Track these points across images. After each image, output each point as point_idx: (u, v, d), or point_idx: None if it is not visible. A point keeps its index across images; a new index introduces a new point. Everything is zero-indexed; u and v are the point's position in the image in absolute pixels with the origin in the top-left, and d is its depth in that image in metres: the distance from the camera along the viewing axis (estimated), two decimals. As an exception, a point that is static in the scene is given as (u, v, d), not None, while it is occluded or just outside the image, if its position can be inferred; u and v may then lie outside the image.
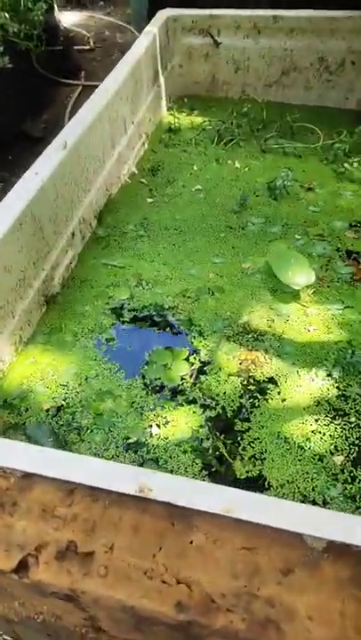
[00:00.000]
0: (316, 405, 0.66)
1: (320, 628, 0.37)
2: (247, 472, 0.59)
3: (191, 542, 0.41)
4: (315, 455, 0.61)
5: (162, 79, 1.25)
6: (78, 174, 0.84)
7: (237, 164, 1.13)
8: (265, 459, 0.61)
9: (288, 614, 0.38)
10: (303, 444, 0.62)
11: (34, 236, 0.72)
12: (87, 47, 3.12)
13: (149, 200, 1.03)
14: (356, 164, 1.09)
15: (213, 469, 0.60)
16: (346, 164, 1.09)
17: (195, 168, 1.12)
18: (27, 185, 0.70)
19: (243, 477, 0.59)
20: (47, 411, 0.66)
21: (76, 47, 3.01)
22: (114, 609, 0.41)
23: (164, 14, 1.26)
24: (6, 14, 1.88)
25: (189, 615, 0.39)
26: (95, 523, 0.42)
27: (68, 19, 3.43)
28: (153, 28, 1.19)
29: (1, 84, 2.03)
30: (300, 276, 0.80)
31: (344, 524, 0.39)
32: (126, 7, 3.56)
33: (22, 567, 0.42)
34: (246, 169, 1.12)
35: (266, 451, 0.61)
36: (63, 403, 0.67)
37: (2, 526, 0.43)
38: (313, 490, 0.58)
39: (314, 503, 0.57)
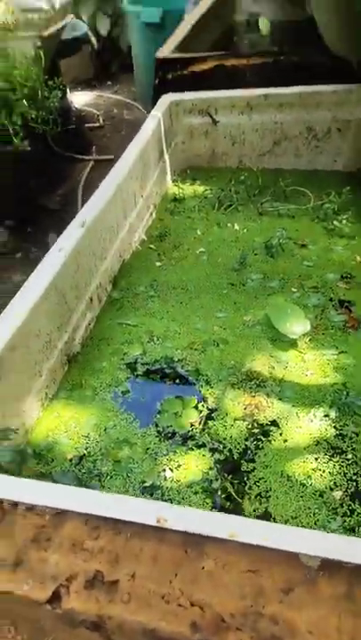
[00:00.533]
0: (316, 444, 0.72)
1: (318, 640, 0.42)
2: (254, 510, 0.64)
3: (203, 568, 0.47)
4: (316, 491, 0.66)
5: (167, 156, 1.39)
6: (95, 246, 0.95)
7: (237, 227, 1.24)
8: (270, 496, 0.66)
9: (290, 630, 0.43)
10: (305, 482, 0.67)
11: (58, 305, 0.82)
12: (97, 124, 3.41)
13: (158, 264, 1.14)
14: (344, 221, 1.19)
15: (223, 508, 0.65)
16: (335, 222, 1.20)
17: (198, 232, 1.24)
18: (51, 261, 0.81)
19: (250, 515, 0.64)
20: (71, 460, 0.73)
21: (87, 125, 3.29)
22: (136, 633, 0.46)
23: (167, 99, 1.42)
24: (26, 103, 2.09)
25: (203, 635, 0.44)
26: (118, 554, 0.49)
27: (79, 99, 3.77)
28: (158, 113, 1.35)
29: (21, 164, 2.23)
30: (297, 325, 0.88)
31: (335, 543, 0.44)
32: (132, 85, 3.89)
33: (55, 597, 0.48)
34: (245, 230, 1.23)
35: (271, 489, 0.67)
36: (85, 452, 0.74)
37: (37, 561, 0.50)
38: (315, 524, 0.63)
39: (318, 536, 0.62)
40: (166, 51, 1.50)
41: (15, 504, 0.51)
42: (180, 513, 0.47)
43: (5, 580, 0.49)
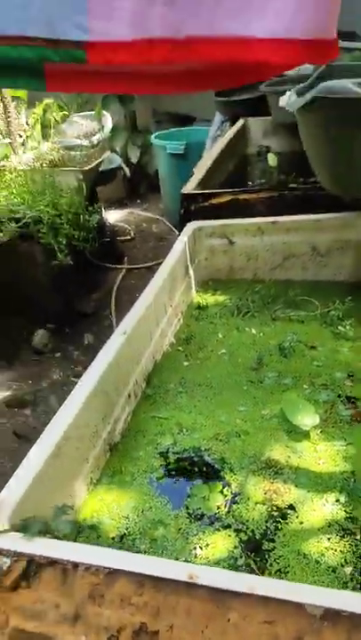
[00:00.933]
0: (328, 526, 0.82)
1: None
2: (274, 582, 0.73)
3: (228, 620, 0.57)
4: (328, 567, 0.75)
5: (191, 271, 1.63)
6: (134, 350, 1.13)
7: (253, 331, 1.42)
8: (288, 572, 0.75)
9: (302, 673, 0.52)
10: (319, 559, 0.76)
11: (103, 400, 0.98)
12: (129, 237, 3.82)
13: (185, 363, 1.31)
14: (348, 326, 1.36)
15: (247, 581, 0.74)
16: (340, 327, 1.36)
17: (220, 336, 1.42)
18: (97, 365, 0.98)
19: (270, 585, 0.73)
20: (113, 538, 0.84)
21: (119, 238, 3.70)
22: None
23: (191, 226, 1.69)
24: (69, 226, 2.43)
25: None
26: (159, 608, 0.59)
27: (113, 216, 4.25)
28: (184, 237, 1.60)
29: (62, 275, 2.53)
30: (307, 418, 1.01)
31: (335, 596, 0.54)
32: (159, 203, 4.37)
33: (107, 647, 0.58)
34: (261, 334, 1.40)
35: (289, 565, 0.76)
36: (125, 531, 0.85)
37: (94, 615, 0.60)
38: (329, 596, 0.71)
39: (332, 609, 0.70)
40: (190, 187, 1.80)
41: (75, 565, 0.63)
42: (208, 571, 0.58)
43: (68, 633, 0.59)
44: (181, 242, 1.57)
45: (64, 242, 2.29)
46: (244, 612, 0.57)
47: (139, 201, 4.50)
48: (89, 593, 0.61)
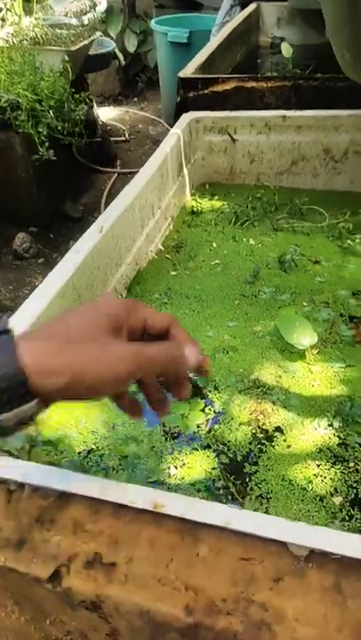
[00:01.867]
0: (319, 452, 0.73)
1: (305, 629, 0.43)
2: (255, 510, 0.66)
3: (198, 554, 0.49)
4: (316, 496, 0.67)
5: (186, 170, 1.44)
6: (112, 252, 0.99)
7: (252, 242, 1.27)
8: (271, 498, 0.67)
9: (278, 617, 0.44)
10: (306, 486, 0.68)
11: (74, 302, 0.86)
12: (122, 139, 3.50)
13: (173, 273, 1.17)
14: (358, 240, 1.22)
15: (224, 507, 0.67)
16: (349, 241, 1.22)
17: (214, 245, 1.27)
18: (68, 261, 0.84)
19: (249, 513, 0.65)
20: (79, 453, 0.75)
21: (112, 139, 3.39)
22: (132, 614, 0.48)
23: (188, 117, 1.47)
24: (52, 114, 2.16)
25: (196, 617, 0.46)
26: (117, 537, 0.51)
27: (106, 114, 3.88)
28: (178, 129, 1.40)
29: (46, 172, 2.31)
30: (304, 337, 0.90)
31: (324, 535, 0.46)
32: (158, 102, 4.00)
33: (56, 576, 0.50)
34: (260, 245, 1.26)
35: (272, 491, 0.68)
36: (93, 446, 0.76)
37: (41, 541, 0.52)
38: (314, 527, 0.64)
39: (315, 540, 0.63)
40: (189, 70, 1.56)
41: (22, 485, 0.54)
42: (177, 500, 0.49)
43: (11, 559, 0.51)
44: (175, 135, 1.37)
45: (45, 132, 2.04)
46: (217, 547, 0.48)
47: (135, 99, 4.10)
48: (37, 517, 0.53)
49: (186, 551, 0.49)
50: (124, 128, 3.50)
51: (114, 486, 0.51)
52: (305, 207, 1.36)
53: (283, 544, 0.47)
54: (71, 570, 0.50)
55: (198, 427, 0.79)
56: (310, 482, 0.69)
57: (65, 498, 0.53)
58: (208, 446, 0.75)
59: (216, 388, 0.85)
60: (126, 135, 3.45)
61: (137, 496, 0.50)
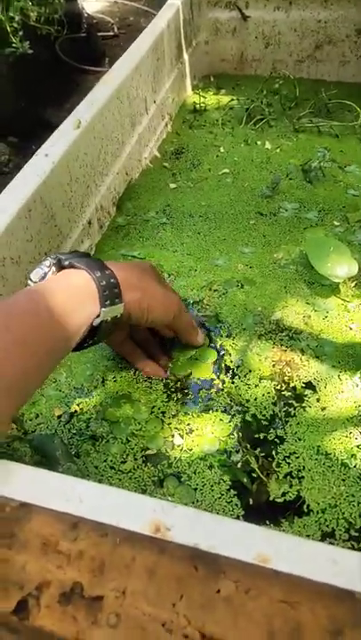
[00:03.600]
0: (362, 415, 0.58)
1: None
2: (283, 494, 0.51)
3: (218, 591, 0.34)
4: (361, 474, 0.53)
5: (186, 56, 1.16)
6: (95, 156, 0.77)
7: (268, 145, 1.04)
8: (303, 477, 0.53)
9: None
10: (347, 462, 0.54)
11: (45, 224, 0.66)
12: (111, 33, 3.04)
13: (172, 185, 0.96)
14: None
15: (244, 488, 0.52)
16: (389, 143, 0.99)
17: (221, 150, 1.04)
18: (35, 167, 0.63)
19: (279, 500, 0.51)
20: (59, 417, 0.60)
21: (99, 33, 2.93)
22: (126, 665, 0.34)
23: (188, -14, 1.17)
24: (26, -3, 1.80)
25: None
26: (104, 562, 0.36)
27: (92, 6, 3.36)
28: (176, 1, 1.10)
29: (22, 70, 1.98)
30: (341, 267, 0.71)
31: None
32: (150, -9, 3.45)
33: (20, 611, 0.36)
34: (278, 150, 1.03)
35: (304, 468, 0.53)
36: (77, 408, 0.60)
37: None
38: (360, 516, 0.50)
39: (360, 531, 0.49)
40: None
41: (-32, 488, 0.38)
42: (188, 518, 0.34)
43: None
44: (173, 6, 1.08)
45: (17, 19, 1.70)
46: (246, 583, 0.33)
47: (125, -14, 3.54)
48: (-9, 530, 0.37)
49: (201, 586, 0.34)
50: (112, 21, 3.03)
51: (97, 493, 0.35)
52: (332, 102, 1.11)
53: (344, 590, 0.32)
54: (41, 603, 0.36)
55: (208, 382, 0.62)
56: (353, 456, 0.54)
57: (28, 507, 0.37)
58: (221, 407, 0.60)
59: (229, 332, 0.68)
60: (115, 29, 2.99)
61: (127, 510, 0.34)
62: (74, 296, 0.45)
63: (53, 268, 0.48)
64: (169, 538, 0.33)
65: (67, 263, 0.48)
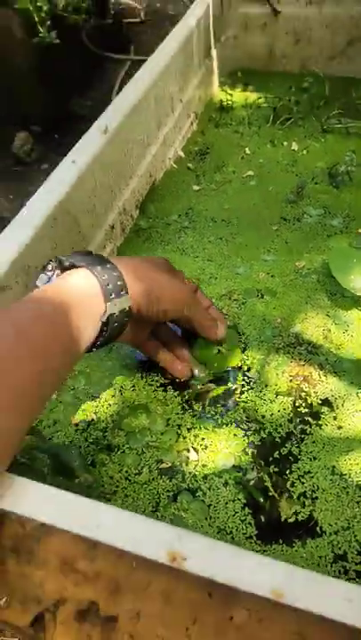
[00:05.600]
0: (379, 436, 0.57)
1: None
2: (295, 513, 0.52)
3: (231, 618, 0.35)
4: (376, 497, 0.53)
5: (214, 52, 1.14)
6: (120, 161, 0.77)
7: (295, 146, 1.02)
8: (317, 498, 0.53)
9: None
10: (363, 483, 0.54)
11: (70, 232, 0.66)
12: (138, 20, 3.00)
13: (196, 188, 0.95)
14: None
15: (258, 507, 0.53)
16: None
17: (247, 151, 1.02)
18: (62, 175, 0.63)
19: (290, 520, 0.51)
20: (77, 425, 0.61)
21: (125, 20, 2.90)
22: None
23: (218, -21, 1.14)
24: (54, -16, 1.80)
25: None
26: (120, 584, 0.37)
27: (119, -10, 3.31)
28: (206, -4, 1.08)
29: (49, 59, 1.97)
30: (364, 280, 0.70)
31: None
32: (179, -26, 3.39)
33: (37, 625, 0.37)
34: (305, 151, 1.01)
35: (318, 488, 0.54)
36: (94, 417, 0.61)
37: (18, 575, 0.38)
38: (373, 539, 0.50)
39: (373, 554, 0.49)
40: None
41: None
42: (205, 549, 0.34)
43: (-24, 596, 0.38)
44: (202, 4, 1.06)
45: (45, 8, 1.69)
46: (260, 612, 0.34)
47: (153, -31, 3.48)
48: (11, 546, 0.39)
49: (214, 613, 0.35)
50: (139, 7, 2.99)
51: (116, 518, 0.36)
52: (363, 103, 1.08)
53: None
54: (58, 619, 0.37)
55: (224, 395, 0.63)
56: (369, 477, 0.54)
57: (49, 525, 0.39)
58: (237, 422, 0.60)
59: (247, 344, 0.68)
60: (142, 15, 2.95)
61: (145, 537, 0.35)
62: (77, 296, 0.44)
63: (57, 271, 0.48)
64: (185, 568, 0.33)
65: (67, 263, 0.47)
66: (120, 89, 2.35)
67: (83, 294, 0.44)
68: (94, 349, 0.49)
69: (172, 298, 0.52)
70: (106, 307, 0.45)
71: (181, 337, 0.64)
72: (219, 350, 0.65)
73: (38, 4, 1.77)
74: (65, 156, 0.68)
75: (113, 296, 0.45)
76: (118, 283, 0.46)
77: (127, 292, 0.47)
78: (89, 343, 0.47)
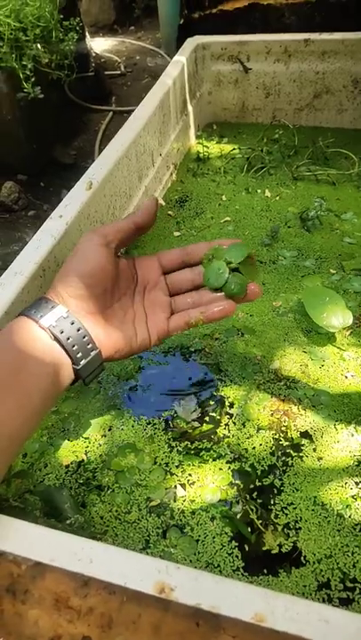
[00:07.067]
0: (357, 465, 0.60)
1: None
2: (279, 545, 0.54)
3: (218, 648, 0.37)
4: (356, 525, 0.55)
5: (190, 108, 1.23)
6: (104, 212, 0.82)
7: (268, 193, 1.09)
8: (300, 528, 0.55)
9: None
10: (343, 512, 0.56)
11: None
12: (118, 72, 3.17)
13: (177, 233, 1.01)
14: (394, 192, 1.04)
15: (244, 539, 0.55)
16: (384, 192, 1.04)
17: (223, 198, 1.09)
18: (50, 229, 0.68)
19: (274, 551, 0.53)
20: (67, 467, 0.63)
21: (107, 72, 3.06)
22: None
23: (193, 42, 1.24)
24: (39, 46, 1.91)
25: None
26: (112, 618, 0.39)
27: (100, 45, 3.51)
28: (182, 57, 1.17)
29: (32, 113, 2.06)
30: (336, 317, 0.75)
31: None
32: (156, 31, 3.61)
33: (33, 664, 0.39)
34: (277, 198, 1.08)
35: (301, 519, 0.56)
36: (84, 457, 0.64)
37: (13, 614, 0.40)
38: (354, 566, 0.52)
39: (355, 581, 0.51)
40: (196, -17, 1.30)
41: (-15, 546, 0.41)
42: (191, 579, 0.37)
43: (-27, 638, 0.39)
44: (178, 63, 1.15)
45: (30, 66, 1.79)
46: (245, 639, 0.36)
47: (132, 27, 3.70)
48: (7, 586, 0.40)
49: (201, 643, 0.37)
50: (119, 60, 3.16)
51: (106, 554, 0.38)
52: (330, 150, 1.17)
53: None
54: (52, 657, 0.39)
55: (209, 432, 0.65)
56: (348, 506, 0.56)
57: (43, 565, 0.40)
58: (221, 456, 0.63)
59: (229, 381, 0.71)
60: (122, 68, 3.12)
61: (134, 571, 0.37)
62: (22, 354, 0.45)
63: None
64: (173, 598, 0.35)
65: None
66: (102, 138, 2.46)
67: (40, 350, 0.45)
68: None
69: (135, 349, 0.55)
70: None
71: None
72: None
73: (23, 62, 1.87)
74: (50, 203, 0.73)
75: (82, 359, 0.48)
76: (86, 344, 0.48)
77: (96, 348, 0.49)
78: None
